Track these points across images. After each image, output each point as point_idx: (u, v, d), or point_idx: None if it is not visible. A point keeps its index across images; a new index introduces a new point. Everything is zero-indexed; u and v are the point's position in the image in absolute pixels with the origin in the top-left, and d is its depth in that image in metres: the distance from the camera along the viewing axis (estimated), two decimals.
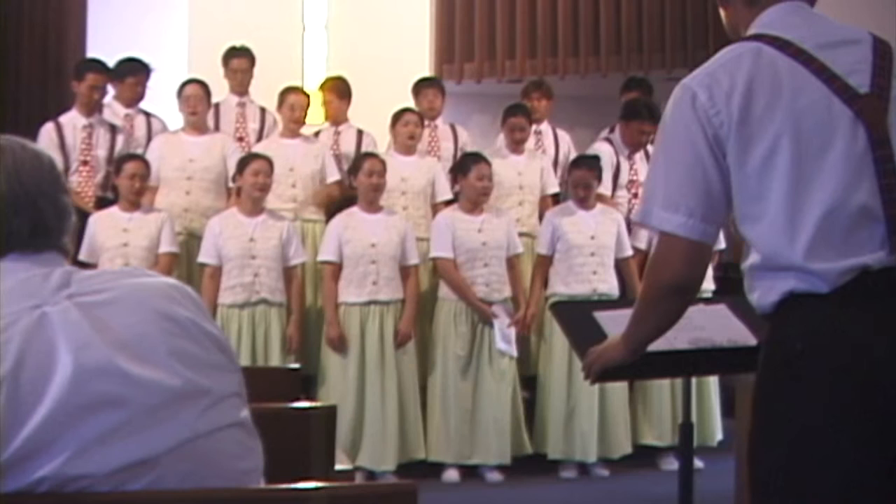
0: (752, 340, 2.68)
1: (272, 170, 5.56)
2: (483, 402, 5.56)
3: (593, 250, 5.68)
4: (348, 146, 6.40)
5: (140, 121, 6.35)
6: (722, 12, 2.21)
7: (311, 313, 5.79)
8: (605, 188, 6.02)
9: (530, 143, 6.45)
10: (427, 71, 7.94)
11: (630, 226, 5.84)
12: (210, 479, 1.41)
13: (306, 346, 5.64)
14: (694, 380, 3.07)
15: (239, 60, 6.44)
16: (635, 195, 5.99)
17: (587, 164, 5.84)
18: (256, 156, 5.63)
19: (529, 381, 5.87)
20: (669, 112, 2.04)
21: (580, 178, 5.77)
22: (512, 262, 5.73)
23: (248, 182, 5.48)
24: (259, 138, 6.38)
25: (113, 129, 6.04)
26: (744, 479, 2.08)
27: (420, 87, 6.58)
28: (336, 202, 6.06)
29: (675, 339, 2.50)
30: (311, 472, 2.05)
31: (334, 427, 2.35)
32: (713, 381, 5.92)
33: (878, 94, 1.96)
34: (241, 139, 6.37)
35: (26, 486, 1.33)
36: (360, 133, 6.47)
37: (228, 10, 7.97)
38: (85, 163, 5.89)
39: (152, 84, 6.39)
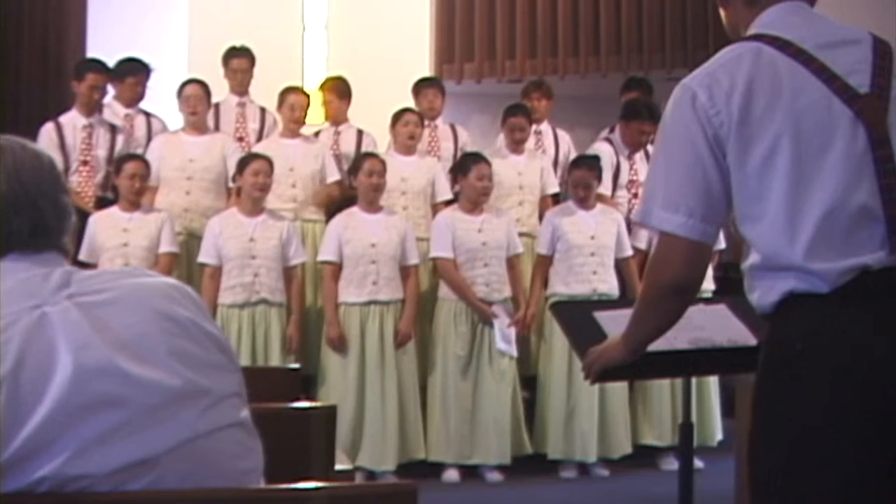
0: (752, 340, 2.68)
1: (272, 170, 5.56)
2: (483, 402, 5.56)
3: (593, 250, 5.68)
4: (348, 146, 6.40)
5: (140, 121, 6.35)
6: (722, 12, 2.21)
7: (311, 313, 5.79)
8: (605, 188, 6.02)
9: (530, 143, 6.45)
10: (427, 71, 7.94)
11: (630, 226, 5.84)
12: (210, 479, 1.41)
13: (306, 346, 5.64)
14: (694, 380, 3.07)
15: (239, 60, 6.44)
16: (635, 195, 5.99)
17: (587, 164, 5.84)
18: (256, 156, 5.63)
19: (529, 381, 5.86)
20: (669, 112, 2.04)
21: (580, 178, 5.77)
22: (512, 262, 5.73)
23: (248, 182, 5.48)
24: (259, 138, 6.38)
25: (113, 129, 6.04)
26: (744, 479, 2.08)
27: (420, 87, 6.58)
28: (336, 202, 6.06)
29: (675, 339, 2.50)
30: (311, 472, 2.05)
31: (334, 427, 2.34)
32: (713, 381, 5.92)
33: (878, 94, 1.96)
34: (241, 139, 6.37)
35: (26, 486, 1.33)
36: (360, 133, 6.47)
37: (228, 10, 7.97)
38: (85, 163, 5.89)
39: (152, 84, 6.39)
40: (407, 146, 6.07)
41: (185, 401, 1.40)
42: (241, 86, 6.46)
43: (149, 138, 6.21)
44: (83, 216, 5.15)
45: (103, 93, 6.12)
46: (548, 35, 8.34)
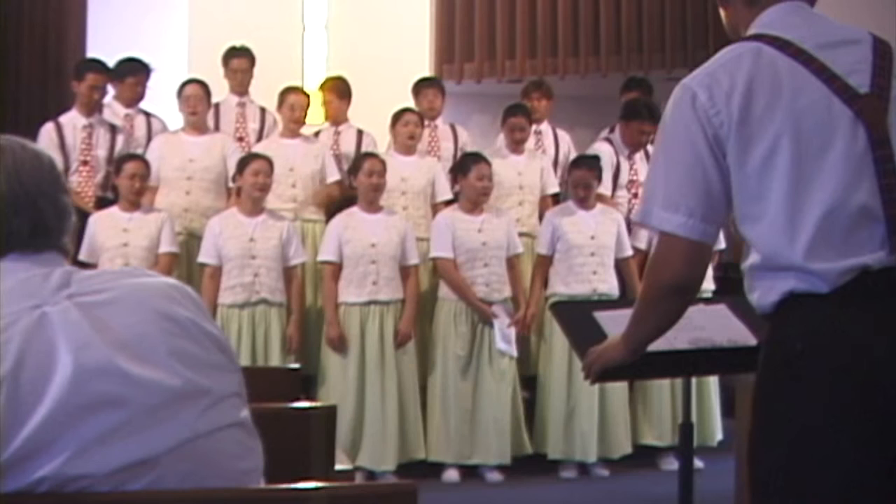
0: (752, 340, 2.68)
1: (272, 170, 5.57)
2: (483, 402, 5.56)
3: (593, 250, 5.68)
4: (348, 146, 6.40)
5: (140, 121, 6.35)
6: (722, 12, 2.21)
7: (311, 313, 5.79)
8: (605, 188, 6.02)
9: (530, 143, 6.45)
10: (427, 71, 7.94)
11: (630, 226, 5.84)
12: (210, 479, 1.41)
13: (306, 346, 5.64)
14: (694, 380, 3.07)
15: (239, 60, 6.44)
16: (635, 195, 5.99)
17: (587, 164, 5.85)
18: (256, 156, 5.64)
19: (529, 381, 5.86)
20: (669, 112, 2.04)
21: (580, 178, 5.77)
22: (512, 262, 5.73)
23: (248, 182, 5.48)
24: (259, 138, 6.38)
25: (113, 129, 6.04)
26: (744, 479, 2.08)
27: (420, 87, 6.59)
28: (336, 202, 6.06)
29: (675, 339, 2.50)
30: (311, 472, 2.05)
31: (334, 427, 2.34)
32: (713, 381, 5.92)
33: (878, 94, 1.96)
34: (241, 139, 6.37)
35: (26, 486, 1.33)
36: (360, 133, 6.47)
37: (228, 10, 7.97)
38: (85, 163, 5.89)
39: (152, 84, 6.39)
40: (407, 146, 6.07)
41: (185, 401, 1.40)
42: (241, 86, 6.46)
43: (149, 138, 6.21)
44: (83, 216, 5.15)
45: (103, 93, 6.12)
46: (548, 35, 8.33)
